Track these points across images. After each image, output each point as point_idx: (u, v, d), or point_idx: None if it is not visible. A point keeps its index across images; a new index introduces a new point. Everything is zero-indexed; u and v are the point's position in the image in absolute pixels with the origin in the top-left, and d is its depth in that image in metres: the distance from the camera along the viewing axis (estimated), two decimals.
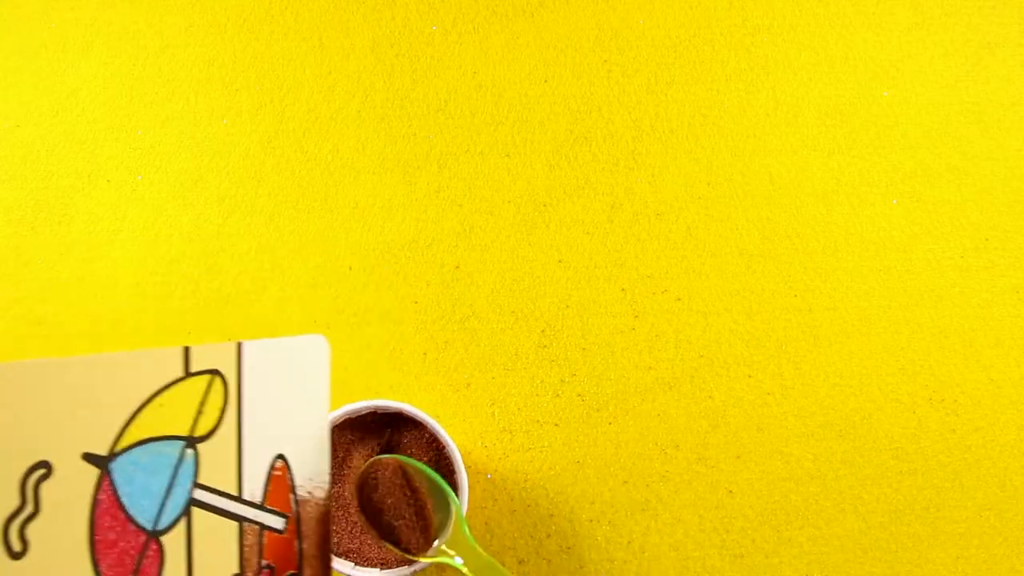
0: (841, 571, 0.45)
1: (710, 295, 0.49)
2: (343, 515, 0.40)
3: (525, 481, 0.47)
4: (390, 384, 0.48)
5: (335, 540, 0.39)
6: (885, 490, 0.47)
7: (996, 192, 0.51)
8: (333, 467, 0.40)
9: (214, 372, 0.31)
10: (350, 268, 0.50)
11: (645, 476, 0.47)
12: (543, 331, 0.49)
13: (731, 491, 0.46)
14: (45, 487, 0.26)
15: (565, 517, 0.46)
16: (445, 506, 0.37)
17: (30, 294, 0.49)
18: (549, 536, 0.46)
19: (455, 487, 0.40)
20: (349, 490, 0.40)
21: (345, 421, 0.41)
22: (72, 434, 0.27)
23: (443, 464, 0.41)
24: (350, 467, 0.41)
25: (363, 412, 0.41)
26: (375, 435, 0.42)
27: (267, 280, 0.50)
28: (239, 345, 0.31)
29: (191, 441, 0.30)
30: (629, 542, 0.46)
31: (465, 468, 0.40)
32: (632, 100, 0.53)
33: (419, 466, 0.38)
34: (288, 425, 0.33)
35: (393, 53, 0.54)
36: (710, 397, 0.48)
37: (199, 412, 0.30)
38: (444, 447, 0.40)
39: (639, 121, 0.53)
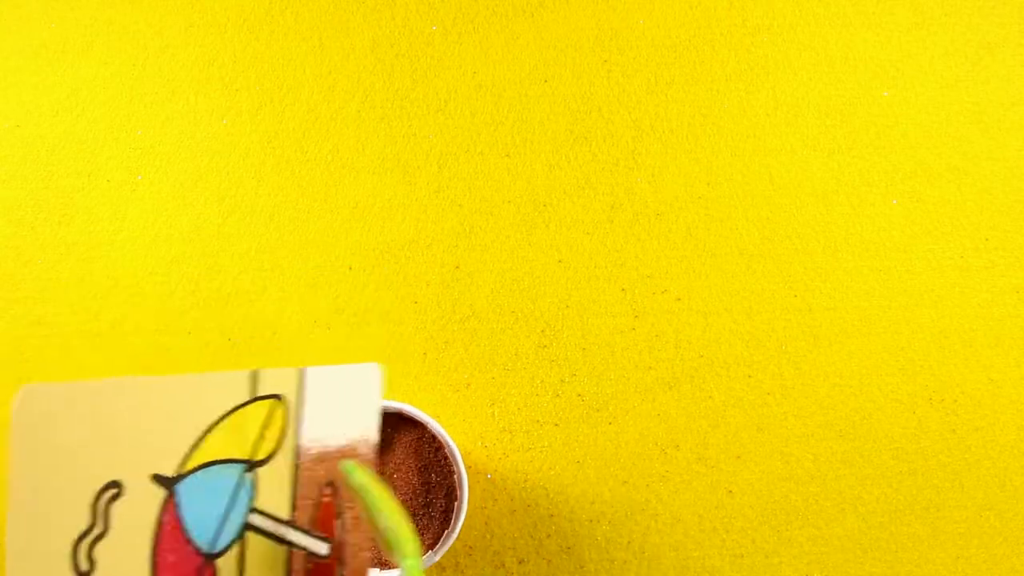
0: (841, 571, 0.45)
1: (710, 295, 0.49)
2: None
3: (525, 481, 0.47)
4: (390, 384, 0.48)
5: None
6: (885, 490, 0.47)
7: (996, 192, 0.51)
8: None
9: (277, 397, 0.31)
10: (350, 268, 0.50)
11: (645, 476, 0.47)
12: (543, 331, 0.49)
13: (731, 491, 0.46)
14: (115, 507, 0.27)
15: (565, 517, 0.46)
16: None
17: (30, 294, 0.49)
18: (549, 536, 0.46)
19: (455, 487, 0.40)
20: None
21: None
22: (143, 454, 0.28)
23: (443, 464, 0.41)
24: None
25: None
26: None
27: (267, 280, 0.50)
28: (302, 371, 0.32)
29: (250, 465, 0.31)
30: (629, 542, 0.46)
31: (465, 468, 0.40)
32: (632, 100, 0.53)
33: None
34: (340, 451, 0.33)
35: (393, 53, 0.54)
36: (710, 397, 0.48)
37: (260, 436, 0.31)
38: (444, 447, 0.40)
39: (639, 121, 0.53)
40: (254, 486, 0.31)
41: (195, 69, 0.54)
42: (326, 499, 0.33)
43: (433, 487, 0.41)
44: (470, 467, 0.47)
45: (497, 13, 0.55)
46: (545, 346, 0.49)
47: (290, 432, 0.32)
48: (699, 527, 0.46)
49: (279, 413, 0.31)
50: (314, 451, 0.33)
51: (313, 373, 0.32)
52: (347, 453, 0.34)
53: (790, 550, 0.46)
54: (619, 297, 0.49)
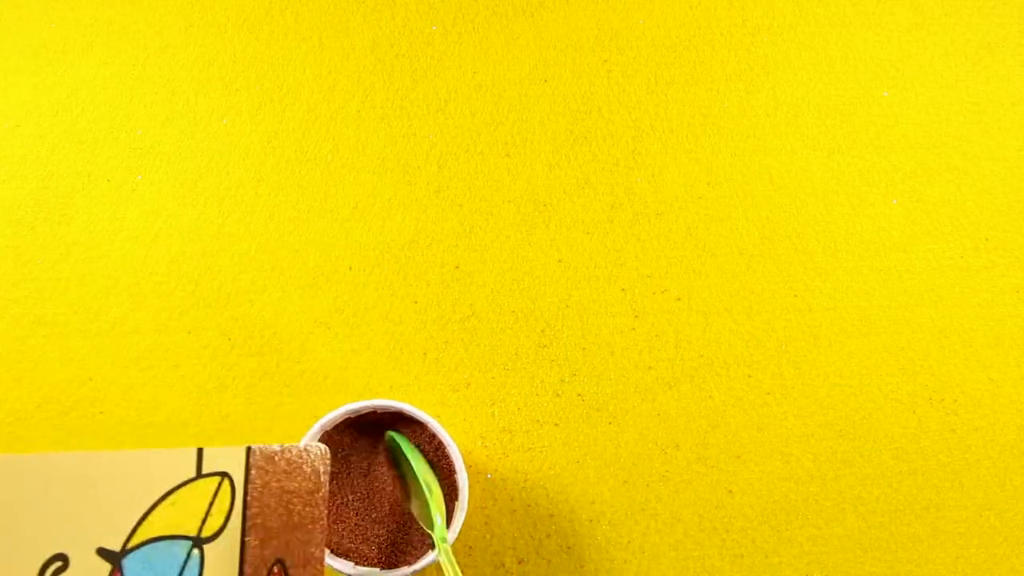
0: (841, 571, 0.45)
1: (710, 295, 0.49)
2: (344, 515, 0.40)
3: (525, 481, 0.47)
4: (390, 384, 0.48)
5: (335, 540, 0.39)
6: (885, 490, 0.47)
7: (996, 192, 0.51)
8: (334, 467, 0.40)
9: (223, 474, 0.31)
10: (350, 268, 0.50)
11: (645, 476, 0.47)
12: (543, 331, 0.49)
13: (731, 491, 0.46)
14: None
15: (565, 517, 0.46)
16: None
17: (30, 294, 0.49)
18: (549, 536, 0.46)
19: (455, 487, 0.40)
20: (359, 481, 0.40)
21: (345, 421, 0.41)
22: (88, 528, 0.28)
23: (443, 464, 0.41)
24: (351, 466, 0.41)
25: (363, 412, 0.41)
26: (375, 435, 0.42)
27: (267, 280, 0.50)
28: (248, 449, 0.32)
29: (198, 541, 0.31)
30: (629, 542, 0.46)
31: (465, 468, 0.40)
32: (632, 100, 0.53)
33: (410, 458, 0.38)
34: (288, 530, 0.34)
35: (393, 53, 0.54)
36: (710, 397, 0.48)
37: (207, 513, 0.31)
38: (444, 447, 0.40)
39: (639, 121, 0.53)
40: (201, 562, 0.31)
41: (195, 69, 0.54)
42: None
43: None
44: (470, 467, 0.47)
45: (497, 13, 0.55)
46: (545, 346, 0.49)
47: (237, 509, 0.32)
48: (699, 527, 0.46)
49: (225, 490, 0.31)
50: (262, 528, 0.33)
51: (259, 451, 0.32)
52: (296, 531, 0.34)
53: (790, 550, 0.46)
54: (619, 297, 0.49)
